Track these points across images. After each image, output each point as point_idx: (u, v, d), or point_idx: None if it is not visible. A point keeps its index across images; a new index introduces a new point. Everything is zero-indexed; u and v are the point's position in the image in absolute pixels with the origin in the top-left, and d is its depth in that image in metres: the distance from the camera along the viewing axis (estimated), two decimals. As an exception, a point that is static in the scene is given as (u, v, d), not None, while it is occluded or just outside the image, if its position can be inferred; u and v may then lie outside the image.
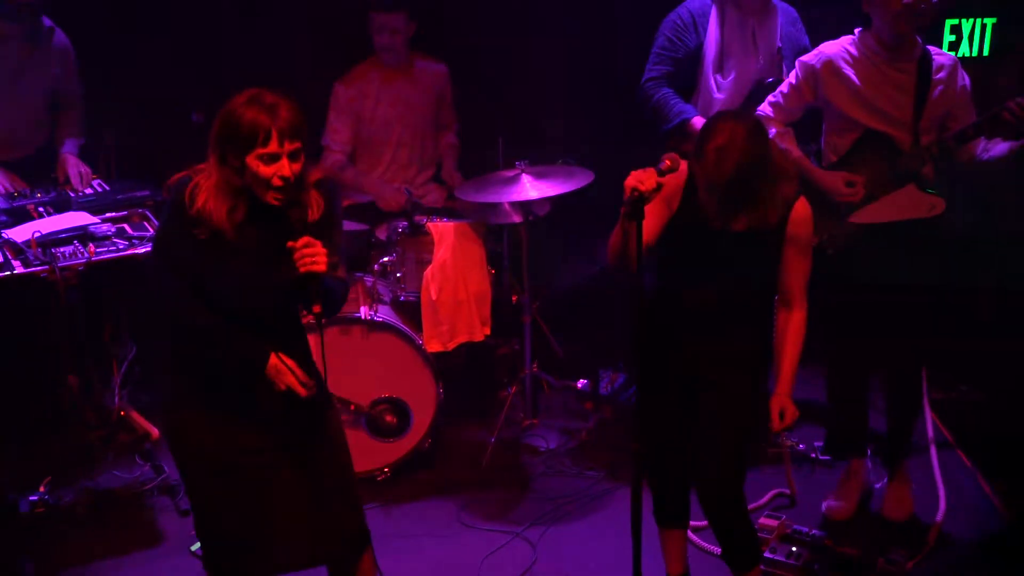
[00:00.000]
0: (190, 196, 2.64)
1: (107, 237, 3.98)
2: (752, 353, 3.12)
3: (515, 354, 4.77)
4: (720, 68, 4.19)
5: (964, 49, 4.40)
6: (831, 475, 4.10)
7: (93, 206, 4.22)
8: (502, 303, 4.57)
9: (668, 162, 2.77)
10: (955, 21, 4.39)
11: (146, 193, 4.34)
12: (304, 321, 2.96)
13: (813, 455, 4.24)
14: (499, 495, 4.19)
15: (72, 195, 4.32)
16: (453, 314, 4.26)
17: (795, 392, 3.12)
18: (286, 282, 2.69)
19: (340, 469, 2.94)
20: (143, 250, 3.89)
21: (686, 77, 4.21)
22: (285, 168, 2.59)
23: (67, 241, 3.90)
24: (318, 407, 2.88)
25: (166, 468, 4.15)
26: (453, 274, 4.24)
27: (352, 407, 4.11)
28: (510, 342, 4.80)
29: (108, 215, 4.17)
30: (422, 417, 4.23)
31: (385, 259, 4.45)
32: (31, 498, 3.97)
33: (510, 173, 4.31)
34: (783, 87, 3.80)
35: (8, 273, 3.69)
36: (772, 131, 3.64)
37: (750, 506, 3.41)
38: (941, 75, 3.56)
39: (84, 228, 3.98)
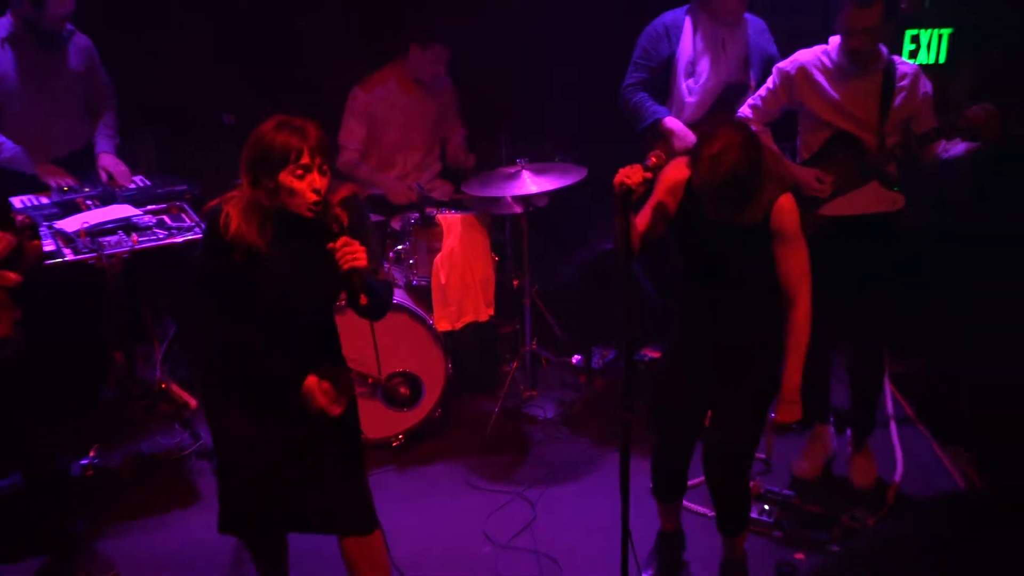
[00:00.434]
0: (223, 226, 2.66)
1: (148, 227, 4.05)
2: (769, 341, 3.09)
3: (516, 333, 4.85)
4: (692, 73, 4.27)
5: (923, 57, 4.41)
6: (798, 441, 4.19)
7: (136, 199, 4.29)
8: (505, 287, 4.63)
9: (654, 159, 2.85)
10: (915, 31, 4.41)
11: (183, 187, 4.43)
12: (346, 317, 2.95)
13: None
14: (502, 459, 4.29)
15: (116, 190, 4.40)
16: (461, 297, 4.35)
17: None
18: (328, 282, 2.71)
19: (347, 465, 2.95)
20: (181, 239, 3.97)
21: (661, 82, 4.31)
22: (317, 180, 2.62)
23: (112, 231, 3.98)
24: (344, 414, 2.89)
25: (203, 435, 4.25)
26: (460, 261, 4.33)
27: (370, 380, 4.23)
28: (512, 322, 4.87)
29: (149, 207, 4.23)
30: (433, 389, 4.34)
31: (399, 247, 4.55)
32: (82, 462, 4.06)
33: (512, 169, 4.40)
34: (761, 91, 3.86)
35: (60, 260, 3.76)
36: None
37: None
38: (904, 82, 3.62)
39: (128, 219, 4.05)
